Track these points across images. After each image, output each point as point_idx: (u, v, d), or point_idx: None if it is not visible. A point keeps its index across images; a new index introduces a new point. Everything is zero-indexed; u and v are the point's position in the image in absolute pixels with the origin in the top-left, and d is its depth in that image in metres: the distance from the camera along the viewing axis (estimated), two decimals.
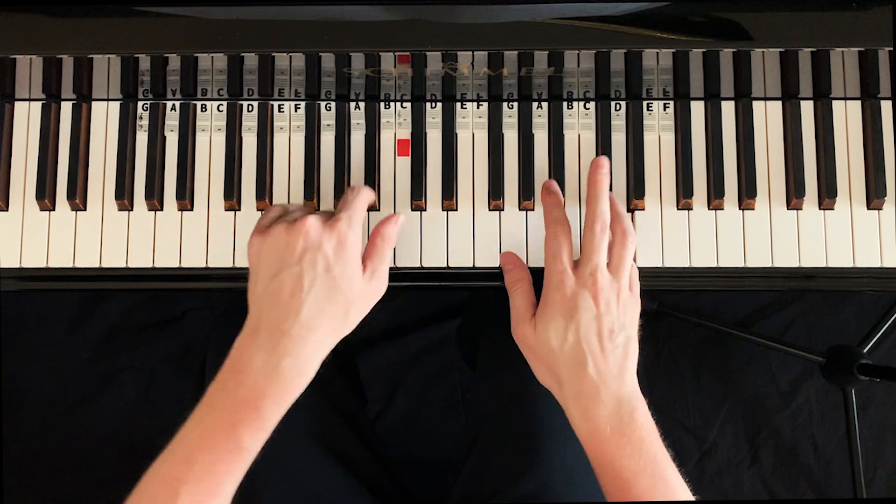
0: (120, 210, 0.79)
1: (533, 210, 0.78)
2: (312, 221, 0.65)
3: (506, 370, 0.86)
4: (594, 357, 0.66)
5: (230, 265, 0.78)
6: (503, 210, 0.78)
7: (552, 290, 0.69)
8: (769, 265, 0.77)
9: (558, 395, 0.69)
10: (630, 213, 0.78)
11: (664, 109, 0.79)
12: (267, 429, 0.63)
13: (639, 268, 0.76)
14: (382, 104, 0.79)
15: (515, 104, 0.79)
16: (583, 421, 0.66)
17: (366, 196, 0.71)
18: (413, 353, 1.42)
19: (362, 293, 0.67)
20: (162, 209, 0.79)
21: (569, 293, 0.67)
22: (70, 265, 0.78)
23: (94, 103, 0.80)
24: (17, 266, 0.78)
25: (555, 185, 0.75)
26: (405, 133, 0.79)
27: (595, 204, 0.70)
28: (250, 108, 0.79)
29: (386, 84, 0.79)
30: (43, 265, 0.78)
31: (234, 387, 0.62)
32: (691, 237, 0.78)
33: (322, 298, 0.64)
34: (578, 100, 0.79)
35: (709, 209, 0.78)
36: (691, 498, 0.65)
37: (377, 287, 0.69)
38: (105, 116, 0.80)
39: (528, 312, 0.70)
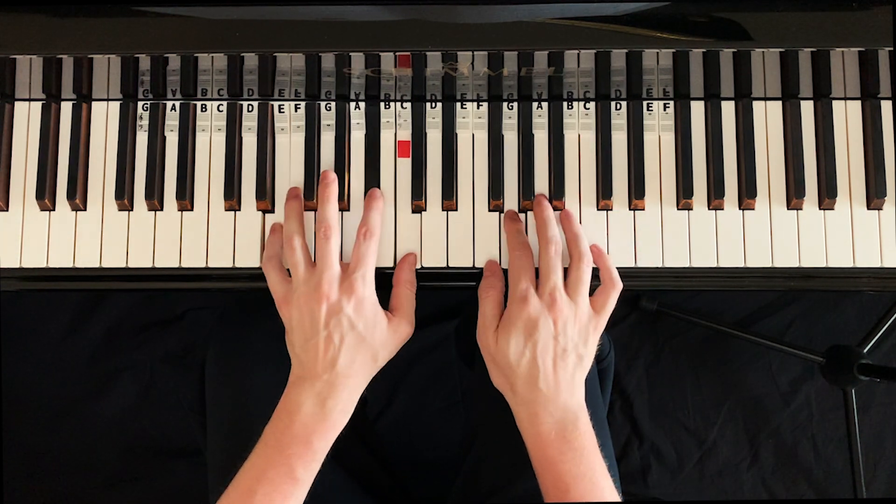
0: (120, 210, 0.79)
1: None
2: (329, 289, 0.71)
3: None
4: (546, 373, 0.70)
5: (230, 265, 0.78)
6: (503, 210, 0.78)
7: (516, 306, 0.72)
8: (769, 265, 0.77)
9: (510, 399, 0.73)
10: (630, 213, 0.78)
11: (664, 109, 0.79)
12: (317, 460, 0.70)
13: (639, 268, 0.77)
14: (382, 104, 0.79)
15: (515, 104, 0.79)
16: (530, 425, 0.71)
17: (376, 246, 0.74)
18: (413, 354, 1.42)
19: (388, 339, 0.73)
20: (162, 209, 0.79)
21: (533, 313, 0.71)
22: (70, 265, 0.78)
23: (94, 103, 0.80)
24: (17, 266, 0.78)
25: (517, 215, 0.78)
26: (405, 133, 0.79)
27: (545, 229, 0.75)
28: (250, 108, 0.79)
29: (386, 84, 0.79)
30: (43, 265, 0.78)
31: (286, 426, 0.70)
32: (691, 237, 0.78)
33: (352, 351, 0.71)
34: (578, 100, 0.79)
35: (709, 209, 0.78)
36: None
37: (404, 330, 0.75)
38: (105, 116, 0.80)
39: (494, 322, 0.73)
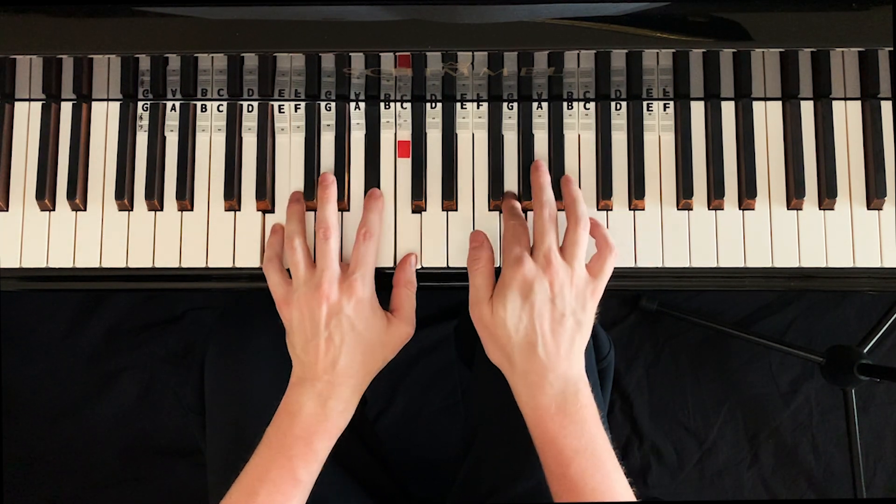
0: (120, 210, 0.79)
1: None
2: (329, 289, 0.71)
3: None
4: (544, 339, 0.69)
5: (230, 265, 0.77)
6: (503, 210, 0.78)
7: (510, 270, 0.71)
8: (769, 265, 0.77)
9: (508, 373, 0.71)
10: (630, 213, 0.78)
11: (664, 109, 0.79)
12: (319, 461, 0.70)
13: (639, 268, 0.77)
14: (382, 104, 0.79)
15: (515, 104, 0.79)
16: (529, 398, 0.69)
17: (376, 247, 0.75)
18: (413, 354, 1.42)
19: (388, 340, 0.74)
20: (162, 209, 0.79)
21: (528, 274, 0.70)
22: (70, 265, 0.78)
23: (94, 103, 0.80)
24: (17, 266, 0.78)
25: (515, 197, 0.78)
26: (405, 133, 0.79)
27: (540, 194, 0.74)
28: (250, 108, 0.79)
29: (386, 84, 0.79)
30: (43, 265, 0.78)
31: (288, 427, 0.70)
32: (691, 237, 0.78)
33: (353, 351, 0.71)
34: (578, 100, 0.79)
35: (709, 209, 0.78)
36: (624, 480, 0.68)
37: (404, 330, 0.75)
38: (105, 116, 0.80)
39: (487, 293, 0.72)
